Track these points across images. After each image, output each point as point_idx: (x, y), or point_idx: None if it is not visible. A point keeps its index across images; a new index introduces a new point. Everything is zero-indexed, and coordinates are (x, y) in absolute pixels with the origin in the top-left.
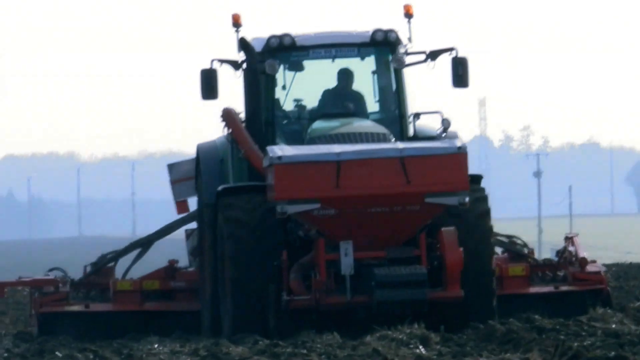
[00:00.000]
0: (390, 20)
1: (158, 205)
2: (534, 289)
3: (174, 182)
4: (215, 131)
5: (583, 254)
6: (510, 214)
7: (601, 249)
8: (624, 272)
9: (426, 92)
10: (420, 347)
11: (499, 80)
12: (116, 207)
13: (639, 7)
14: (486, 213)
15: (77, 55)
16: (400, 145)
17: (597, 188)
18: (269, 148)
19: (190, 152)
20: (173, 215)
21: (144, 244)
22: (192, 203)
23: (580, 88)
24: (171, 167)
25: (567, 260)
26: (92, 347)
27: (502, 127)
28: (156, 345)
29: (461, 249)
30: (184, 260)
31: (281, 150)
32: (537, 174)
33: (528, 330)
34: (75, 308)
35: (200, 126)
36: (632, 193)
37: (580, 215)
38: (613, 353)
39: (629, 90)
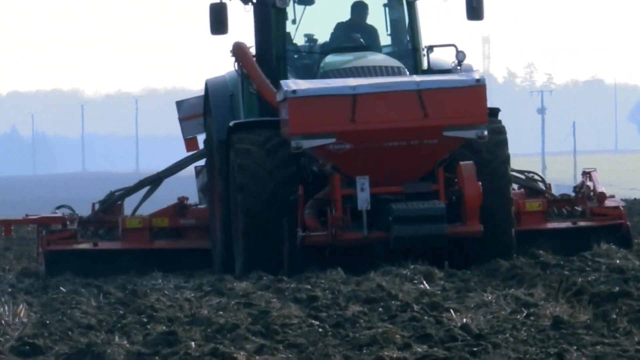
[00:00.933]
0: None
1: (161, 142)
2: (551, 225)
3: (182, 120)
4: (223, 67)
5: (601, 188)
6: (514, 151)
7: (605, 185)
8: (629, 207)
9: (431, 27)
10: (424, 282)
11: (503, 18)
12: (119, 144)
13: None
14: (504, 149)
15: None
16: (417, 78)
17: (600, 125)
18: (283, 82)
19: (195, 88)
20: (176, 152)
21: (154, 181)
22: (202, 140)
23: (584, 25)
24: (180, 104)
25: (585, 195)
26: (95, 282)
27: (505, 64)
28: (160, 281)
29: (480, 183)
30: (193, 198)
31: (295, 84)
32: (541, 111)
33: (532, 266)
34: (84, 246)
35: (206, 62)
36: (635, 130)
37: (584, 152)
38: (617, 288)
39: (633, 27)
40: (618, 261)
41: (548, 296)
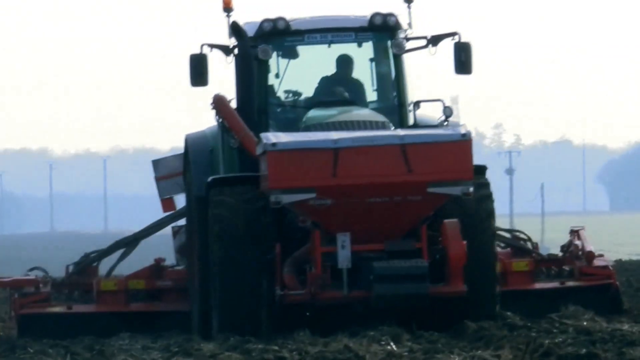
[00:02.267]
0: (390, 4)
1: (129, 201)
2: (539, 285)
3: (159, 179)
4: (196, 126)
5: (590, 247)
6: None
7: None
8: None
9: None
10: (392, 343)
11: (472, 78)
12: (88, 203)
13: (608, 7)
14: (490, 206)
15: (48, 43)
16: (402, 132)
17: (569, 186)
18: (263, 135)
19: (164, 148)
20: (145, 211)
21: (130, 242)
22: (179, 200)
23: (552, 86)
24: (156, 163)
25: (573, 254)
26: (63, 343)
27: (474, 124)
28: (127, 341)
29: (464, 242)
30: (170, 259)
31: (275, 137)
32: (510, 172)
33: (499, 328)
34: (58, 309)
35: (175, 122)
36: (603, 191)
37: (552, 213)
38: (584, 350)
39: (600, 89)
40: (585, 323)
41: (515, 358)
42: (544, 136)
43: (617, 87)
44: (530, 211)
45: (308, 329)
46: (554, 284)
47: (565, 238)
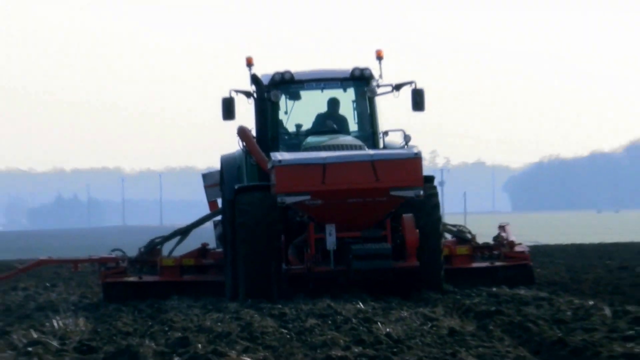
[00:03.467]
0: (365, 60)
1: (176, 204)
2: (475, 264)
3: (207, 187)
4: (228, 146)
5: (512, 238)
6: None
7: (485, 236)
8: None
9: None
10: (360, 303)
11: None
12: (148, 205)
13: (507, 46)
14: (437, 204)
15: (118, 85)
16: (371, 152)
17: (483, 194)
18: (272, 154)
19: (202, 166)
20: (187, 211)
21: (184, 231)
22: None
23: (470, 117)
24: (205, 176)
25: (500, 242)
26: (133, 302)
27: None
28: (177, 302)
29: (417, 230)
30: (212, 244)
31: (281, 155)
32: (441, 184)
33: (435, 293)
34: (131, 279)
35: (209, 145)
36: (507, 198)
37: (471, 212)
38: (494, 308)
39: (504, 125)
40: (494, 289)
41: (446, 313)
42: (465, 158)
43: (517, 121)
44: (457, 211)
45: (304, 293)
46: (486, 264)
47: (482, 231)
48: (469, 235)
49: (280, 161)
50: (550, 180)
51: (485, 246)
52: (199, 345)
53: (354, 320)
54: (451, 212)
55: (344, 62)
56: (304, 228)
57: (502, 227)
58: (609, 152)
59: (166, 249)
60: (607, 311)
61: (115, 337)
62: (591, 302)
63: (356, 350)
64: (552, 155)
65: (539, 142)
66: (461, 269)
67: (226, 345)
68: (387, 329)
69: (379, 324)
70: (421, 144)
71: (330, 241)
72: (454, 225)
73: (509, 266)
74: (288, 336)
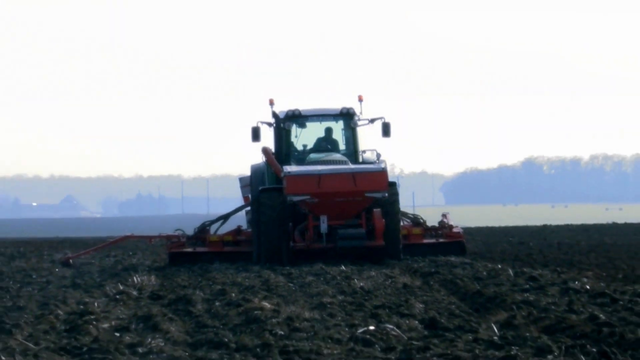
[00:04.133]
0: (350, 100)
1: (218, 199)
2: (425, 241)
3: (242, 187)
4: (255, 159)
5: (451, 222)
6: None
7: (431, 221)
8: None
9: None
10: (343, 267)
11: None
12: (199, 201)
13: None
14: (396, 201)
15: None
16: (352, 166)
17: (426, 194)
18: (284, 167)
19: (235, 173)
20: (225, 205)
21: (225, 217)
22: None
23: (415, 130)
24: (241, 179)
25: (443, 226)
26: (188, 266)
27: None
28: (218, 265)
29: (383, 220)
30: (245, 225)
31: (290, 168)
32: (398, 186)
33: (395, 260)
34: (188, 250)
35: (241, 158)
36: (442, 195)
37: (418, 205)
38: (433, 269)
39: (444, 129)
40: (433, 257)
41: (401, 273)
42: (414, 169)
43: (451, 135)
44: (408, 205)
45: (307, 262)
46: (433, 240)
47: (427, 218)
48: (421, 221)
49: (289, 172)
50: (471, 183)
51: (433, 228)
52: (233, 294)
53: (338, 277)
54: (404, 205)
55: (336, 102)
56: (305, 218)
57: (444, 215)
58: (510, 165)
59: (213, 229)
60: (510, 272)
61: (176, 288)
62: (499, 266)
63: (340, 297)
64: (472, 167)
65: (463, 157)
66: (416, 244)
67: (251, 294)
68: (361, 284)
69: (355, 280)
70: (387, 159)
71: (323, 227)
72: (412, 214)
73: (449, 242)
74: (293, 288)
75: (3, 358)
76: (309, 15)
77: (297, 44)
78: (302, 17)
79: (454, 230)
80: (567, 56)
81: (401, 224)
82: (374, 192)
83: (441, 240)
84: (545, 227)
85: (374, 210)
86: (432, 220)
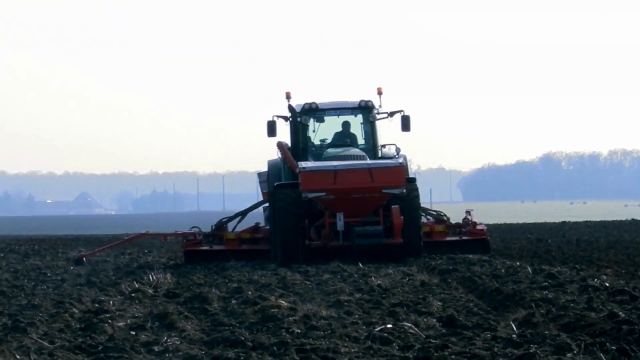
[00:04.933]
0: (369, 93)
1: (234, 196)
2: (449, 238)
3: (261, 182)
4: (272, 154)
5: (475, 219)
6: None
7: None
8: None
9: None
10: (360, 264)
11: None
12: (215, 197)
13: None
14: (416, 197)
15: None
16: (369, 161)
17: (443, 189)
18: (299, 162)
19: (251, 169)
20: (242, 200)
21: (243, 213)
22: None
23: (432, 126)
24: (259, 174)
25: (467, 223)
26: (203, 264)
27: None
28: (234, 263)
29: (402, 217)
30: (263, 222)
31: (305, 164)
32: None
33: (415, 258)
34: (204, 248)
35: (257, 153)
36: (459, 192)
37: (435, 202)
38: (451, 267)
39: (463, 125)
40: (453, 255)
41: (419, 271)
42: (431, 165)
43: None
44: (425, 201)
45: (323, 261)
46: (457, 238)
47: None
48: (444, 218)
49: (304, 168)
50: (489, 180)
51: (456, 225)
52: (249, 292)
53: (355, 275)
54: (422, 202)
55: (355, 95)
56: (321, 215)
57: (468, 212)
58: (528, 161)
59: (230, 226)
60: (529, 269)
61: (192, 287)
62: (518, 263)
63: (357, 295)
64: (490, 163)
65: (480, 153)
66: (438, 241)
67: (267, 292)
68: (378, 281)
69: (372, 278)
70: (407, 154)
71: (340, 224)
72: (435, 211)
73: (473, 240)
74: (310, 286)
75: (18, 357)
76: (328, 7)
77: (316, 36)
78: (321, 9)
79: (478, 227)
80: (586, 52)
81: (423, 220)
82: (391, 188)
83: (465, 237)
84: (563, 224)
85: (392, 206)
86: (452, 218)
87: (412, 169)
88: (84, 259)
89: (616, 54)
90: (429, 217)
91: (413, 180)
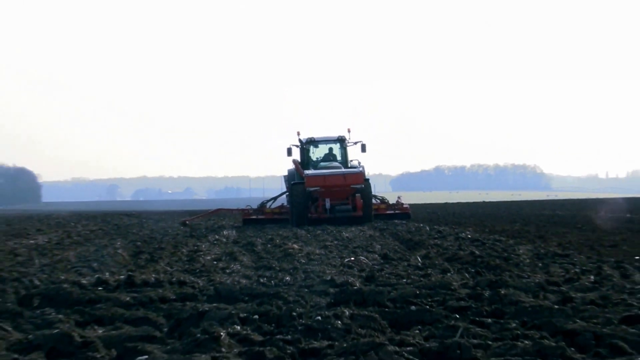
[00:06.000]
0: (341, 129)
1: (260, 190)
2: (388, 212)
3: (285, 181)
4: (290, 165)
5: (402, 200)
6: None
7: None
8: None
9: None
10: (344, 233)
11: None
12: (259, 191)
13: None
14: (369, 190)
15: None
16: (344, 170)
17: (380, 186)
18: (305, 171)
19: (279, 174)
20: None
21: (274, 198)
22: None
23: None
24: (284, 177)
25: (398, 203)
26: (254, 227)
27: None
28: (270, 226)
29: (362, 200)
30: (286, 203)
31: (308, 171)
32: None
33: (367, 222)
34: (253, 217)
35: (279, 164)
36: (390, 187)
37: (377, 192)
38: (385, 226)
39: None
40: (390, 221)
41: (368, 229)
42: (374, 171)
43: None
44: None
45: (318, 224)
46: (392, 211)
47: (390, 199)
48: (386, 200)
49: (307, 174)
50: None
51: (392, 204)
52: (277, 240)
53: (334, 231)
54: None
55: (335, 131)
56: (317, 200)
57: (399, 197)
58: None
59: (267, 205)
60: (427, 228)
61: (246, 237)
62: (421, 225)
63: (335, 242)
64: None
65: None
66: (382, 214)
67: (287, 240)
68: (346, 235)
69: (343, 233)
70: (364, 165)
71: (327, 205)
72: (380, 197)
73: (399, 213)
74: (310, 237)
75: (154, 276)
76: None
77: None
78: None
79: (404, 206)
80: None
81: (374, 202)
82: (356, 184)
83: (397, 211)
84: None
85: (356, 194)
86: (392, 200)
87: (366, 173)
88: (187, 222)
89: None
90: (377, 199)
91: (367, 180)
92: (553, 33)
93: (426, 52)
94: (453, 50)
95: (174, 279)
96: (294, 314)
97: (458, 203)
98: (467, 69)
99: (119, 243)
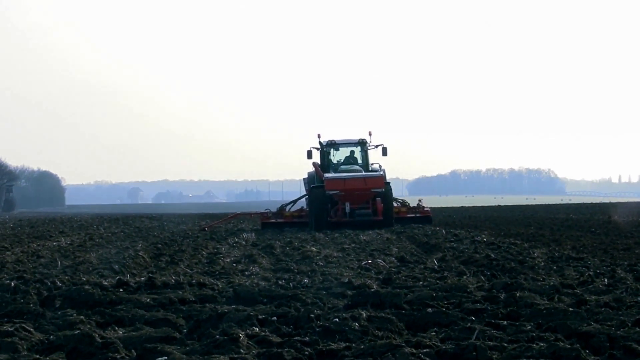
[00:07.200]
0: (363, 132)
1: (277, 193)
2: (409, 215)
3: (305, 184)
4: (310, 168)
5: (423, 204)
6: None
7: (413, 204)
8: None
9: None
10: (361, 236)
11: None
12: (278, 194)
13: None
14: (390, 194)
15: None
16: (364, 174)
17: (397, 189)
18: (324, 174)
19: (298, 178)
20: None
21: (294, 202)
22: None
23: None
24: (304, 179)
25: (420, 206)
26: (272, 230)
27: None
28: (290, 229)
29: (382, 204)
30: (305, 206)
31: (328, 175)
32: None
33: (388, 227)
34: (272, 220)
35: (300, 168)
36: (407, 191)
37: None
38: (402, 230)
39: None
40: (416, 225)
41: (391, 235)
42: (391, 175)
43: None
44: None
45: (337, 228)
46: (413, 215)
47: (411, 202)
48: (407, 204)
49: (327, 177)
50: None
51: (413, 207)
52: (296, 243)
53: (352, 235)
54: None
55: (356, 134)
56: (336, 203)
57: (420, 200)
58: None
59: (287, 209)
60: (444, 231)
61: (265, 240)
62: (438, 228)
63: (352, 245)
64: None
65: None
66: (403, 217)
67: (306, 244)
68: (363, 238)
69: (360, 236)
70: (386, 168)
71: (347, 209)
72: (401, 200)
73: (422, 217)
74: (328, 240)
75: (174, 277)
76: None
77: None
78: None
79: (425, 209)
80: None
81: (395, 205)
82: (376, 188)
83: (418, 215)
84: (484, 208)
85: (377, 198)
86: (413, 203)
87: (387, 177)
88: (206, 229)
89: None
90: (398, 202)
91: (388, 183)
92: (570, 38)
93: (441, 56)
94: (469, 55)
95: (194, 281)
96: (312, 315)
97: (473, 207)
98: (483, 74)
99: (140, 245)
